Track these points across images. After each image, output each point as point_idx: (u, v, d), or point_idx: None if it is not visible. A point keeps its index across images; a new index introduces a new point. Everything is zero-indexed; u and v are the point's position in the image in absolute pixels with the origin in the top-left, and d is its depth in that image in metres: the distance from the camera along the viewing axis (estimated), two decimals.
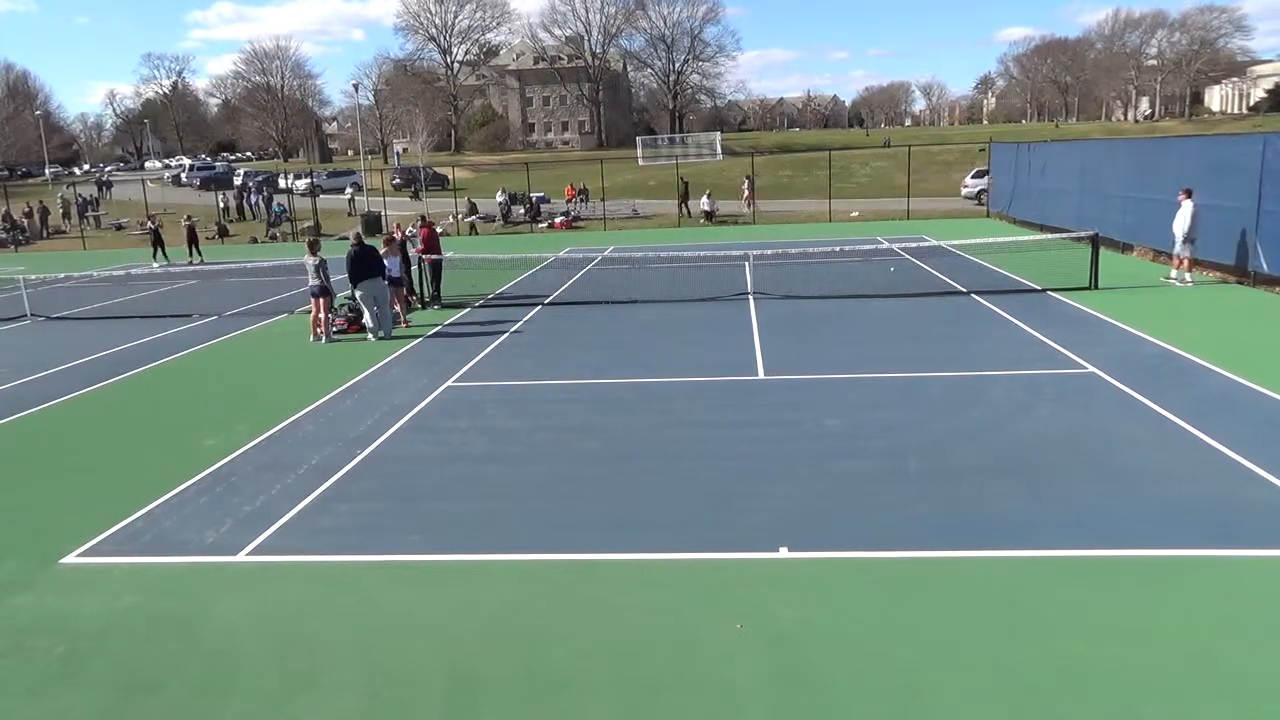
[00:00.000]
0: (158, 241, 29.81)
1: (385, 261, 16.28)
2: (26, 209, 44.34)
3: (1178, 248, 17.34)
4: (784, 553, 6.60)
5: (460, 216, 39.19)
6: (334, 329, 15.70)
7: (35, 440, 10.43)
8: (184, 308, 19.75)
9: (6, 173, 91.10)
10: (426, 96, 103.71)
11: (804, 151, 64.69)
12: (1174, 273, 17.58)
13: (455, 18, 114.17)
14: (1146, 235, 21.04)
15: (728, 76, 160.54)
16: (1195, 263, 17.50)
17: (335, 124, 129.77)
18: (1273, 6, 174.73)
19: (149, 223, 30.72)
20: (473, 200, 41.97)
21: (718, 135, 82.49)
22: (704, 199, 38.13)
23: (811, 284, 18.65)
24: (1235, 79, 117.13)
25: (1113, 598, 5.79)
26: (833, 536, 6.85)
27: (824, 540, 6.78)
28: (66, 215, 46.26)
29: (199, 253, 29.95)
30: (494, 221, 40.19)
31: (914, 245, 22.66)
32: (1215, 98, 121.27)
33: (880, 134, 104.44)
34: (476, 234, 37.09)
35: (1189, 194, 17.16)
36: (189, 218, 31.26)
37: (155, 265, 29.16)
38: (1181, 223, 17.12)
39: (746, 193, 39.86)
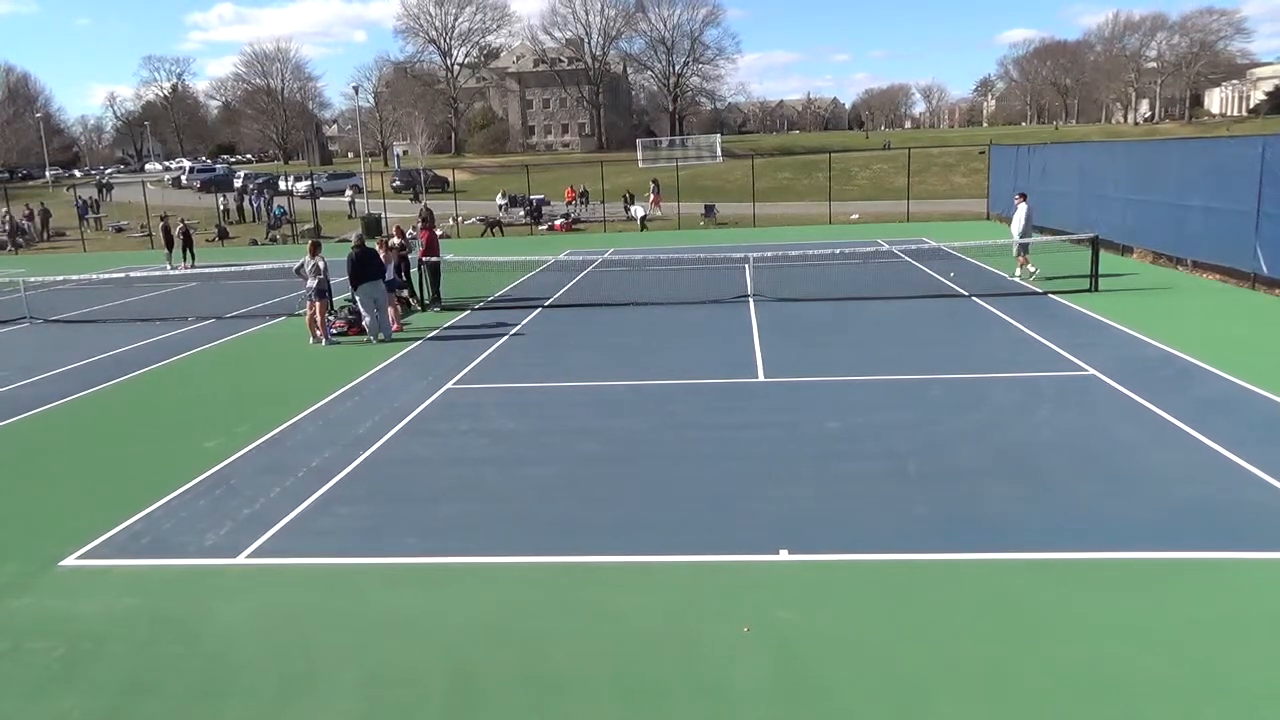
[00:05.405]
0: (173, 242, 29.59)
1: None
2: (27, 211, 44.36)
3: (1015, 248, 18.88)
4: (784, 555, 6.60)
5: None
6: (333, 331, 15.70)
7: (34, 443, 10.42)
8: (183, 310, 19.76)
9: (7, 175, 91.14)
10: (427, 99, 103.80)
11: (804, 154, 64.72)
12: (1019, 272, 18.76)
13: (455, 20, 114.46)
14: (1146, 237, 21.08)
15: (728, 79, 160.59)
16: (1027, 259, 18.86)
17: (335, 126, 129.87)
18: (1272, 9, 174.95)
19: (178, 222, 30.62)
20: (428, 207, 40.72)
21: (717, 138, 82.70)
22: (635, 204, 38.53)
23: (811, 286, 18.65)
24: (1235, 81, 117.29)
25: (1112, 600, 5.79)
26: (833, 539, 6.84)
27: (824, 542, 6.77)
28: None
29: (190, 255, 29.77)
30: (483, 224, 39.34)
31: (913, 247, 22.65)
32: (1215, 100, 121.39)
33: (880, 136, 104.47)
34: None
35: (1023, 197, 18.98)
36: (183, 221, 31.20)
37: (185, 265, 29.21)
38: (1016, 224, 18.75)
39: (653, 196, 40.62)
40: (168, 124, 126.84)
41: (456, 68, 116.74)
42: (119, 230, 45.46)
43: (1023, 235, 18.64)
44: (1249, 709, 4.67)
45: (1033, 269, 18.58)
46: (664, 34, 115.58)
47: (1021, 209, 18.73)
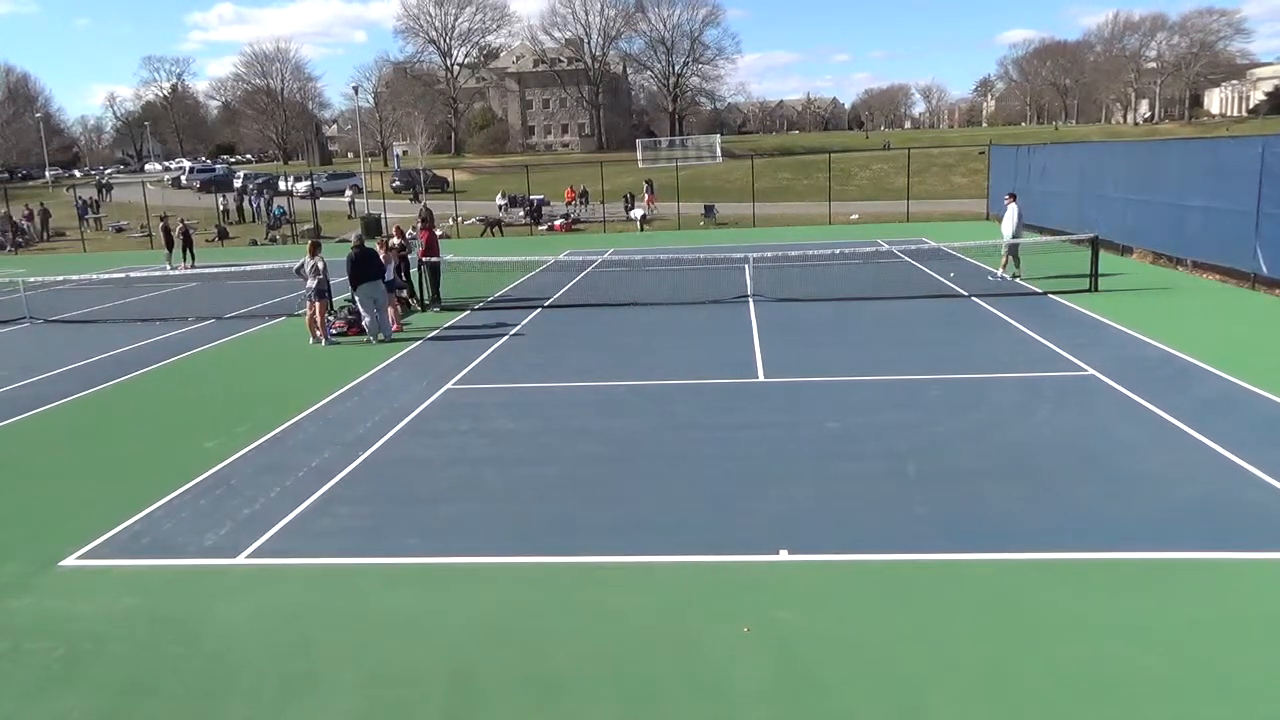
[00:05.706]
0: (173, 242, 29.55)
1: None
2: (26, 211, 44.34)
3: (1003, 248, 18.92)
4: (784, 555, 6.60)
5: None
6: (333, 331, 15.70)
7: (34, 443, 10.42)
8: (183, 310, 19.75)
9: (7, 175, 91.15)
10: (427, 99, 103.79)
11: (803, 154, 64.73)
12: (1017, 271, 18.78)
13: (455, 20, 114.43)
14: (1146, 237, 21.08)
15: (727, 79, 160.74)
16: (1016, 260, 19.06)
17: (335, 126, 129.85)
18: (1273, 9, 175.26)
19: (178, 222, 30.66)
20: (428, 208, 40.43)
21: (717, 138, 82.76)
22: (635, 207, 39.43)
23: (811, 286, 18.65)
24: (1235, 81, 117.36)
25: (1112, 600, 5.79)
26: (833, 539, 6.84)
27: (824, 543, 6.78)
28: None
29: (190, 255, 29.75)
30: (483, 224, 38.70)
31: (913, 248, 22.66)
32: (1215, 100, 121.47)
33: (880, 136, 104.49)
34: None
35: (1014, 198, 18.81)
36: (183, 221, 31.17)
37: (185, 265, 29.20)
38: (1008, 225, 18.63)
39: (648, 196, 41.50)
40: (168, 124, 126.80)
41: (456, 68, 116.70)
42: (119, 230, 45.45)
43: (1014, 236, 18.63)
44: (1249, 709, 4.67)
45: (1002, 273, 18.75)
46: (664, 34, 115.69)
47: (1012, 209, 18.60)
